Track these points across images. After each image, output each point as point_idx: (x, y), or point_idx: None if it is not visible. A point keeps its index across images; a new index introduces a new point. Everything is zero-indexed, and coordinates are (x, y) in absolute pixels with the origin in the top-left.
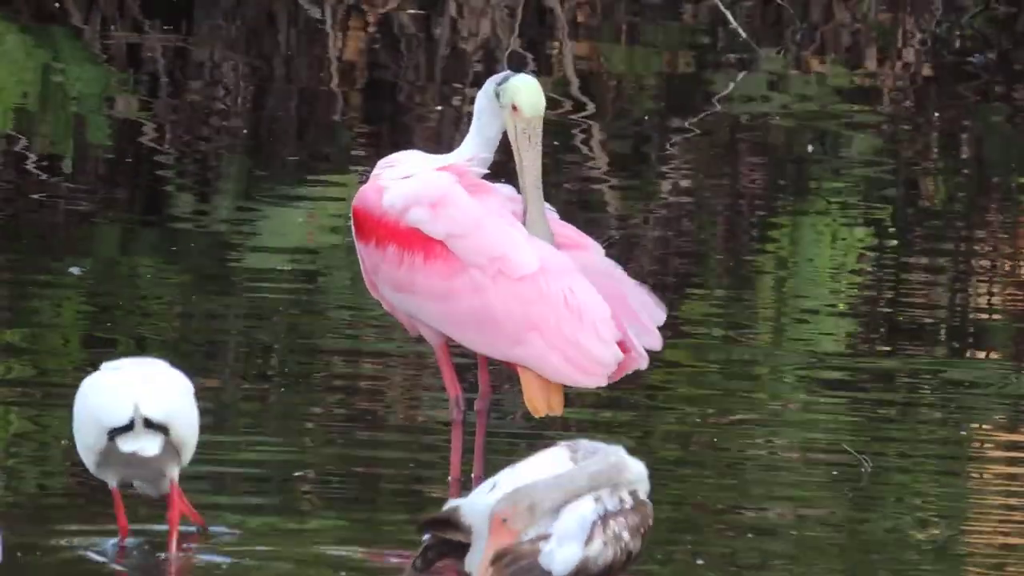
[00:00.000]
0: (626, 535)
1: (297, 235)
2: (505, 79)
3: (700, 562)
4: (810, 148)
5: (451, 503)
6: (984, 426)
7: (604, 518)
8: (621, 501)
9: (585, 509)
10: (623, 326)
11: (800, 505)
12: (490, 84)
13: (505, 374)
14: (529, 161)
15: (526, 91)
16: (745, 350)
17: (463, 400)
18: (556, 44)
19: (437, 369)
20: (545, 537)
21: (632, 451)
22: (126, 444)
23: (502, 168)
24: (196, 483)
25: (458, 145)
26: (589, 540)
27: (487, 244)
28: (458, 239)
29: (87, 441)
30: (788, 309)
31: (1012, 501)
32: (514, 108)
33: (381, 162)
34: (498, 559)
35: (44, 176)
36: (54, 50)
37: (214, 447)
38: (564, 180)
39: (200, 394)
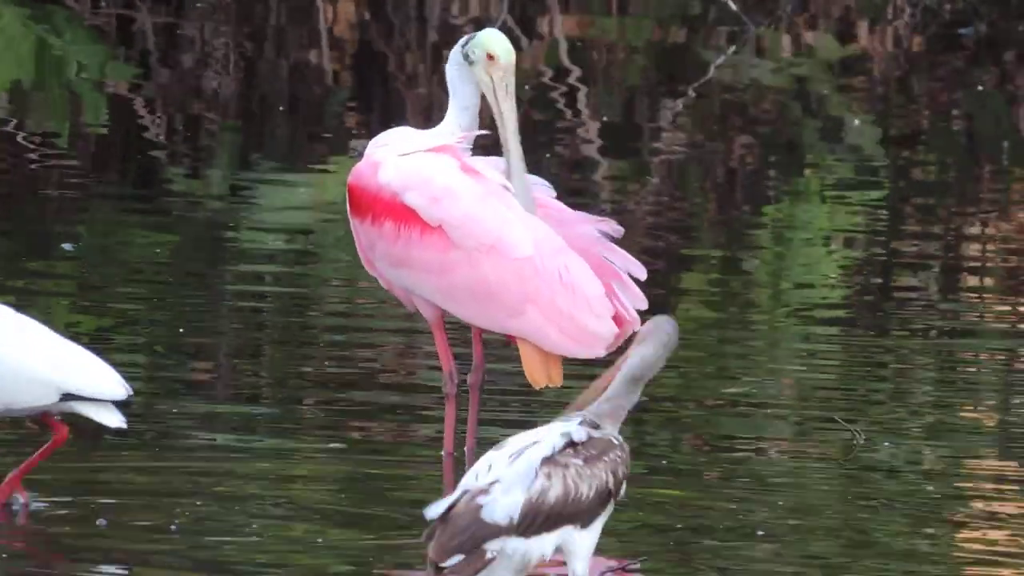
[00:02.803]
0: (578, 462)
1: (291, 209)
2: (470, 39)
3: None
4: (856, 122)
5: (460, 487)
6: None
7: (551, 458)
8: (572, 442)
9: (533, 454)
10: (617, 297)
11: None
12: (456, 50)
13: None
14: (508, 110)
15: (497, 39)
16: (741, 321)
17: (457, 374)
18: (547, 16)
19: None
20: (485, 491)
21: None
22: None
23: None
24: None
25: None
26: (534, 481)
27: (481, 232)
28: (454, 228)
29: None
30: (784, 278)
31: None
32: (490, 57)
33: (374, 140)
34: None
35: (38, 151)
36: (51, 26)
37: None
38: (556, 153)
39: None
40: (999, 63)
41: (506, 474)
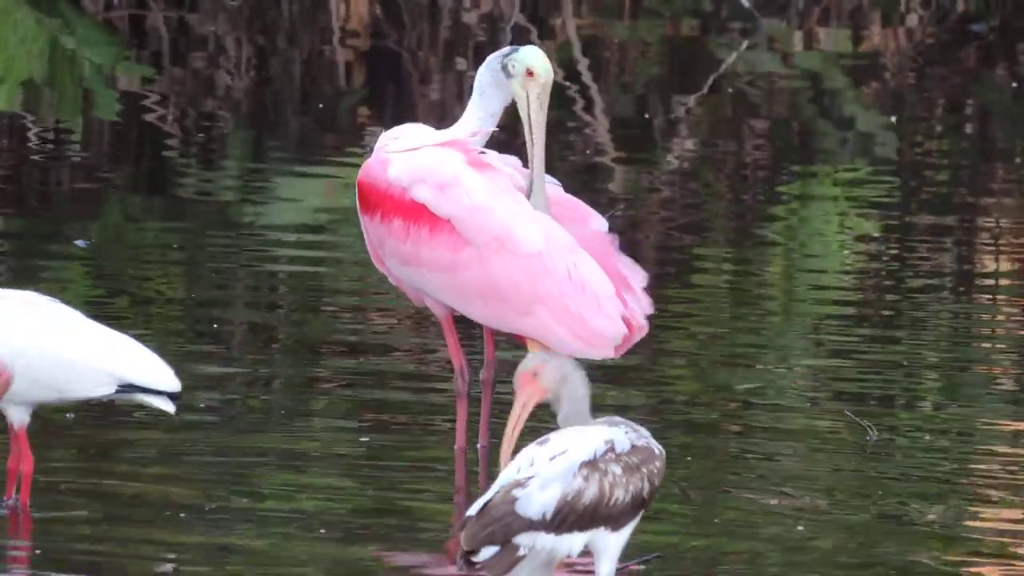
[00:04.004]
0: (617, 470)
1: (303, 205)
2: (513, 51)
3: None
4: (893, 119)
5: (499, 480)
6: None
7: (591, 462)
8: (614, 449)
9: (574, 455)
10: (625, 300)
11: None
12: (495, 59)
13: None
14: (538, 124)
15: (539, 56)
16: (752, 317)
17: (468, 371)
18: (559, 14)
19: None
20: (522, 484)
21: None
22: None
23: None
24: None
25: (459, 117)
26: (572, 481)
27: (492, 225)
28: (463, 221)
29: (84, 385)
30: (796, 276)
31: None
32: (529, 73)
33: (384, 135)
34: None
35: (51, 148)
36: (64, 23)
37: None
38: (568, 151)
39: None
40: (1011, 59)
41: (545, 471)
